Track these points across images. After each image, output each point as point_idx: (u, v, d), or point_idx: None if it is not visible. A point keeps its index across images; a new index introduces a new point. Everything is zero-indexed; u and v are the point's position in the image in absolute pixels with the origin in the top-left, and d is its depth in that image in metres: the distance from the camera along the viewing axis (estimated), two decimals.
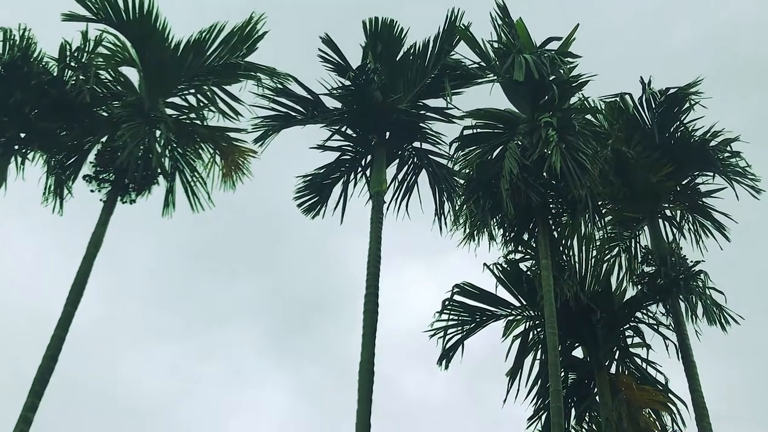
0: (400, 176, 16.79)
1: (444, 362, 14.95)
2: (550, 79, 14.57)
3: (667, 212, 16.93)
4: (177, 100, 16.29)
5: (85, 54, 15.13)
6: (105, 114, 15.44)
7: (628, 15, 41.03)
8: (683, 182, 16.94)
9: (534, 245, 14.76)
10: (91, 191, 14.59)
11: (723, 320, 14.74)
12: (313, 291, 38.40)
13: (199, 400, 34.79)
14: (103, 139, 15.21)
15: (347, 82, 15.98)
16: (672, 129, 16.74)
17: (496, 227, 14.67)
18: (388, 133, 16.33)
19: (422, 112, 16.44)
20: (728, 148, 16.41)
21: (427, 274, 37.37)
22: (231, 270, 36.82)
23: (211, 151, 16.36)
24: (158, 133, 15.27)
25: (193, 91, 16.24)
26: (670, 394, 14.55)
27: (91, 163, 14.88)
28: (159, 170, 15.27)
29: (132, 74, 15.95)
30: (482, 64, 15.54)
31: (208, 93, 16.05)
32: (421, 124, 16.47)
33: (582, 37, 15.40)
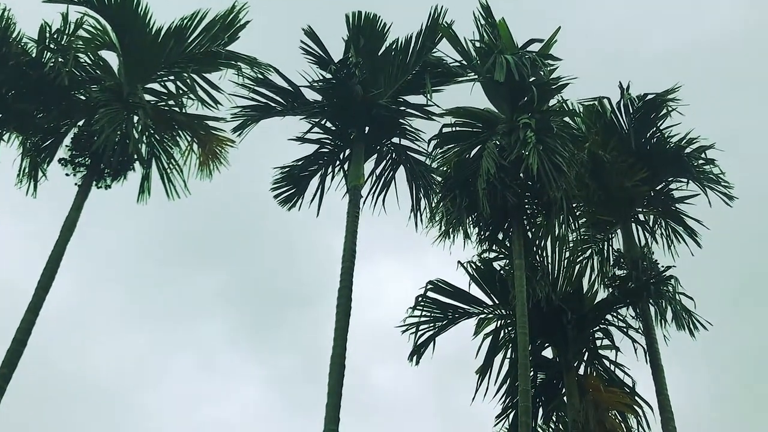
0: (377, 171, 16.84)
1: (415, 358, 14.98)
2: (530, 80, 14.65)
3: (641, 217, 17.10)
4: (156, 86, 16.26)
5: (65, 36, 14.97)
6: (83, 98, 15.35)
7: (610, 20, 41.34)
8: (657, 187, 17.08)
9: (508, 245, 14.85)
10: (66, 175, 14.56)
11: (692, 326, 14.91)
12: (288, 283, 38.30)
13: (168, 388, 34.73)
14: (80, 123, 15.14)
15: (328, 75, 15.95)
16: (648, 134, 16.88)
17: (471, 226, 14.74)
18: (367, 128, 16.34)
19: (402, 108, 16.48)
20: (703, 156, 16.61)
21: (403, 270, 37.45)
22: (206, 260, 36.77)
23: (189, 139, 16.30)
24: (136, 118, 15.21)
25: (172, 77, 16.18)
26: (636, 397, 14.66)
27: (67, 146, 14.85)
28: (135, 156, 15.20)
29: (111, 59, 15.92)
30: (463, 62, 15.63)
31: (187, 80, 15.97)
32: (400, 120, 16.50)
33: (563, 39, 15.50)
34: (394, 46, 16.19)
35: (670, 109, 16.55)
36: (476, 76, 15.25)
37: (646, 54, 38.63)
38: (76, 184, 14.38)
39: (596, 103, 17.13)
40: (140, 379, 34.08)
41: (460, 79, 16.06)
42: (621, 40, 39.94)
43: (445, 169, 15.08)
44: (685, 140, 16.66)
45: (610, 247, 16.61)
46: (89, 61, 15.62)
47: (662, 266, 15.31)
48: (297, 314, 38.04)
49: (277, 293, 37.48)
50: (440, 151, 15.24)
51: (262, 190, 16.90)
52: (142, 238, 34.39)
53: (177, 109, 16.23)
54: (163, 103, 16.24)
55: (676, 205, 17.09)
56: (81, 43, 15.41)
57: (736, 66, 36.71)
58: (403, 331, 14.92)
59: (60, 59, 14.66)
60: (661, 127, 16.78)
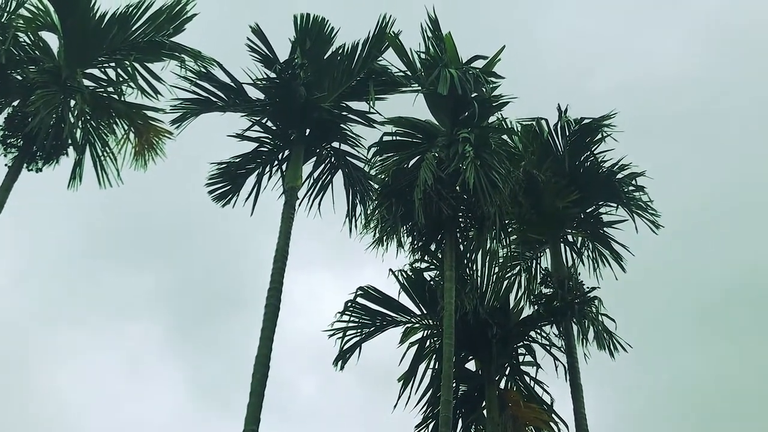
0: (315, 174, 16.77)
1: (340, 363, 15.04)
2: (472, 96, 14.87)
3: (570, 238, 17.45)
4: (96, 72, 15.97)
5: (6, 14, 14.63)
6: (19, 78, 14.97)
7: (554, 46, 42.08)
8: (587, 210, 17.46)
9: (440, 256, 15.02)
10: None
11: (612, 347, 15.31)
12: (221, 284, 37.85)
13: (91, 387, 34.01)
14: (15, 103, 14.76)
15: (273, 75, 15.87)
16: (582, 158, 17.27)
17: (405, 235, 14.90)
18: (308, 130, 16.28)
19: (344, 113, 16.46)
20: (633, 182, 17.04)
21: (340, 280, 37.38)
22: (138, 257, 36.04)
23: (126, 128, 16.06)
24: (73, 103, 14.92)
25: (113, 64, 15.91)
26: (554, 415, 14.98)
27: None
28: (69, 141, 14.90)
29: (52, 40, 15.55)
30: (408, 73, 15.75)
31: (128, 68, 15.71)
32: (342, 125, 16.48)
33: (506, 58, 15.75)
34: (340, 51, 16.20)
35: (605, 134, 16.95)
36: (420, 88, 15.38)
37: (593, 86, 39.52)
38: (6, 165, 14.06)
39: (534, 123, 17.44)
40: (62, 377, 33.37)
41: (403, 89, 16.15)
42: (569, 69, 40.66)
43: (383, 176, 15.20)
44: (617, 166, 17.09)
45: (538, 266, 16.97)
46: (29, 41, 15.26)
47: (587, 287, 15.66)
48: (228, 317, 37.64)
49: (209, 295, 37.06)
50: (379, 158, 15.39)
51: (199, 185, 16.69)
52: (76, 230, 33.81)
53: (116, 96, 15.99)
54: (102, 90, 15.97)
55: (605, 228, 17.49)
56: (21, 22, 15.06)
57: (673, 109, 37.77)
58: (330, 335, 15.00)
59: None
60: (595, 152, 17.18)
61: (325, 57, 16.27)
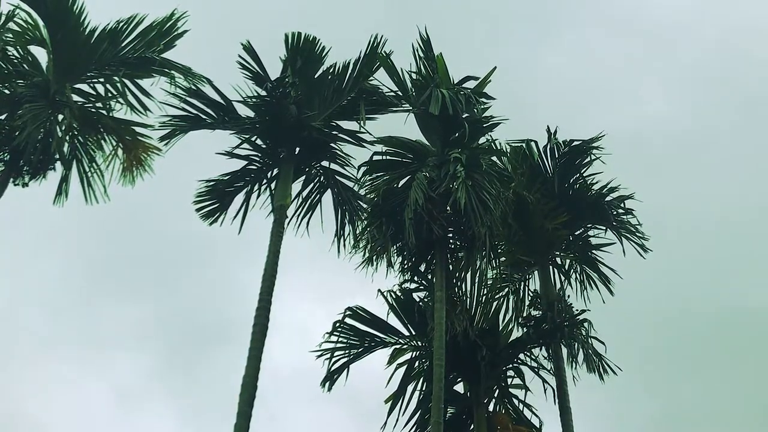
0: (304, 193, 16.64)
1: (327, 384, 14.89)
2: (464, 116, 14.87)
3: (558, 260, 17.41)
4: (85, 87, 15.86)
5: None
6: (7, 92, 14.82)
7: (547, 79, 42.41)
8: (576, 232, 17.46)
9: (429, 277, 14.92)
10: None
11: (602, 369, 15.25)
12: (209, 312, 37.56)
13: (78, 418, 33.54)
14: (2, 117, 14.59)
15: (263, 93, 15.81)
16: (572, 180, 17.30)
17: (395, 255, 14.78)
18: (297, 149, 16.18)
19: (334, 132, 16.39)
20: (622, 205, 17.06)
21: (326, 294, 37.13)
22: (125, 285, 35.67)
23: (114, 144, 15.93)
24: (61, 117, 14.78)
25: (102, 80, 15.83)
26: None
27: None
28: (57, 156, 14.75)
29: (41, 55, 15.44)
30: (399, 93, 15.72)
31: (118, 84, 15.65)
32: (331, 144, 16.39)
33: (497, 79, 15.79)
34: (331, 70, 16.15)
35: (594, 157, 16.99)
36: (411, 108, 15.36)
37: (580, 127, 39.81)
38: None
39: (524, 145, 17.46)
40: (49, 406, 32.92)
41: (394, 108, 16.09)
42: (559, 111, 40.92)
43: (372, 196, 15.11)
44: (606, 188, 17.12)
45: (527, 288, 16.89)
46: (18, 55, 15.15)
47: (577, 310, 15.62)
48: (217, 346, 37.26)
49: (196, 323, 36.75)
50: (369, 178, 15.32)
51: (186, 203, 16.54)
52: (62, 257, 33.54)
53: (104, 111, 15.87)
54: (91, 105, 15.84)
55: (593, 251, 17.47)
56: (10, 36, 14.95)
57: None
58: (318, 356, 14.86)
59: None
60: (584, 174, 17.22)
61: (315, 76, 16.21)
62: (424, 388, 15.05)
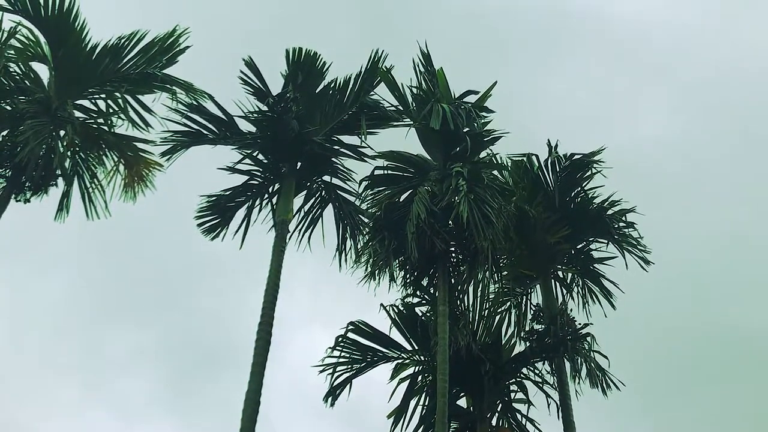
0: (306, 207, 16.73)
1: (330, 399, 14.83)
2: (465, 130, 14.89)
3: (560, 273, 17.36)
4: (87, 103, 15.88)
5: None
6: (9, 108, 14.82)
7: (546, 103, 42.55)
8: (578, 246, 17.37)
9: (431, 291, 14.89)
10: None
11: (605, 384, 15.16)
12: (213, 335, 37.38)
13: None
14: (4, 133, 14.59)
15: (265, 108, 15.86)
16: (573, 193, 17.22)
17: (397, 269, 14.73)
18: (299, 164, 16.27)
19: (336, 147, 16.48)
20: (623, 219, 17.02)
21: (328, 310, 37.03)
22: (128, 310, 35.48)
23: (116, 159, 15.94)
24: (62, 133, 14.79)
25: (104, 96, 15.84)
26: None
27: None
28: (59, 172, 14.75)
29: (43, 71, 15.47)
30: (400, 107, 15.73)
31: (119, 100, 15.67)
32: (333, 159, 16.48)
33: (496, 101, 15.84)
34: (332, 84, 16.27)
35: (594, 170, 16.97)
36: (412, 122, 15.36)
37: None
38: None
39: (524, 158, 17.43)
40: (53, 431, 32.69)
41: (395, 123, 16.18)
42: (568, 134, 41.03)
43: (374, 210, 15.07)
44: (607, 202, 17.05)
45: (529, 302, 16.80)
46: (19, 72, 15.17)
47: (580, 323, 15.56)
48: (220, 369, 37.04)
49: (200, 347, 36.51)
50: (371, 192, 15.26)
51: (188, 218, 16.55)
52: (63, 281, 33.43)
53: (106, 127, 15.87)
54: (92, 121, 15.84)
55: (595, 265, 17.41)
56: (12, 52, 14.99)
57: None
58: (320, 371, 14.81)
59: None
60: (585, 188, 17.14)
61: (316, 91, 16.33)
62: (427, 403, 14.98)
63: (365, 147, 16.08)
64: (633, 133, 40.88)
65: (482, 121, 15.37)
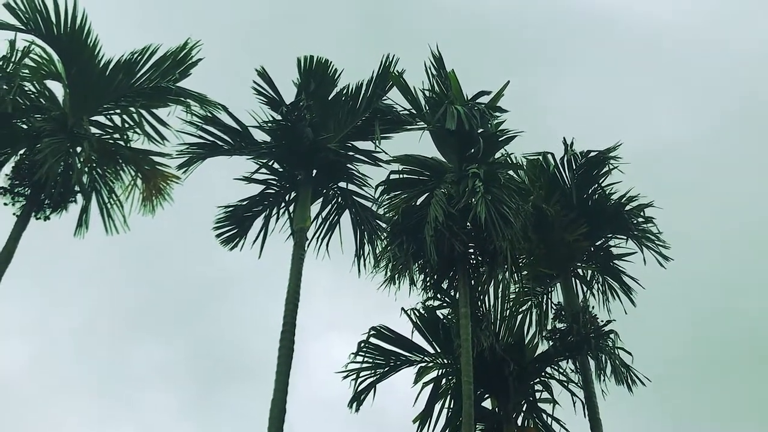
0: (323, 214, 16.79)
1: (355, 405, 14.84)
2: (479, 131, 14.86)
3: (580, 271, 17.31)
4: (102, 119, 15.88)
5: (11, 64, 14.56)
6: (25, 127, 14.90)
7: (551, 91, 42.41)
8: (597, 243, 17.34)
9: (452, 293, 14.87)
10: (5, 204, 14.05)
11: (630, 381, 15.10)
12: (234, 348, 37.40)
13: None
14: (21, 152, 14.68)
15: (279, 117, 15.92)
16: (590, 191, 17.20)
17: (417, 272, 14.72)
18: (314, 171, 16.31)
19: (350, 153, 16.50)
20: (642, 214, 16.97)
21: (349, 316, 37.01)
22: (149, 324, 35.60)
23: (133, 174, 16.00)
24: (79, 150, 14.86)
25: (119, 111, 15.84)
26: None
27: (6, 175, 14.34)
28: (78, 188, 14.82)
29: (57, 89, 15.53)
30: (413, 111, 15.73)
31: (134, 115, 15.71)
32: (348, 165, 16.51)
33: (510, 93, 15.81)
34: (344, 91, 16.29)
35: (611, 166, 16.92)
36: (425, 125, 15.36)
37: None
38: (14, 214, 13.94)
39: (540, 157, 17.41)
40: None
41: (409, 127, 16.13)
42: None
43: (392, 215, 15.07)
44: (625, 198, 17.03)
45: (550, 301, 16.78)
46: (34, 90, 15.21)
47: (602, 321, 15.51)
48: (243, 381, 37.04)
49: (222, 360, 36.50)
50: (387, 197, 15.27)
51: (206, 229, 16.62)
52: (83, 297, 33.55)
53: (122, 142, 15.92)
54: (109, 136, 15.90)
55: (615, 261, 17.35)
56: (27, 71, 15.03)
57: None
58: (344, 377, 14.83)
59: (4, 86, 14.22)
60: (602, 184, 17.13)
61: (329, 98, 16.35)
62: (452, 406, 15.00)
63: (380, 152, 16.13)
64: (647, 134, 40.73)
65: (495, 121, 15.34)
